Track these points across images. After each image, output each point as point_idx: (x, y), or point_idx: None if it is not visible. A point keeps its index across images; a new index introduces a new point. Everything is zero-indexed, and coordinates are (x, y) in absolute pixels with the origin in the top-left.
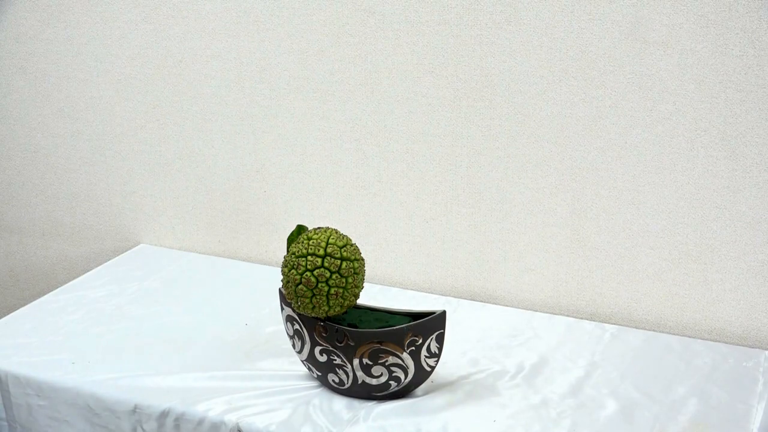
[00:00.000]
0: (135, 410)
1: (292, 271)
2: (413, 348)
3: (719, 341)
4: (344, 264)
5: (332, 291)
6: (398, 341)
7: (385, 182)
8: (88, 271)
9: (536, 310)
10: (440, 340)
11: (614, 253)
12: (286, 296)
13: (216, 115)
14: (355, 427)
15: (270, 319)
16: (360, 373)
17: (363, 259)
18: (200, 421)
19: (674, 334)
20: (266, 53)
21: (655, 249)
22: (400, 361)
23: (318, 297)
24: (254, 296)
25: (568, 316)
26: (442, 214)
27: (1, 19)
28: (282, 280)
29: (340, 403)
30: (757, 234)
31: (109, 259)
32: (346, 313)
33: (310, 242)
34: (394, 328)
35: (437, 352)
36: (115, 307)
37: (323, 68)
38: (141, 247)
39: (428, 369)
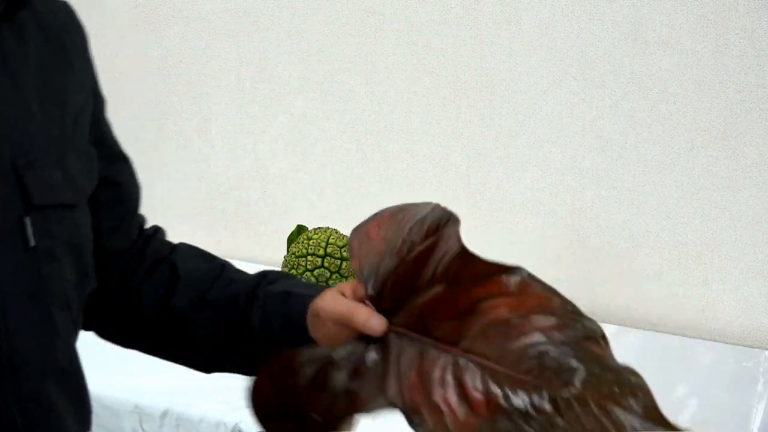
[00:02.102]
0: (135, 410)
1: (292, 271)
2: None
3: (719, 341)
4: (344, 264)
5: None
6: None
7: (385, 182)
8: None
9: None
10: None
11: (614, 253)
12: None
13: (216, 115)
14: (355, 428)
15: None
16: None
17: None
18: (200, 421)
19: (674, 334)
20: (266, 53)
21: (655, 249)
22: None
23: None
24: None
25: None
26: None
27: None
28: None
29: None
30: (757, 234)
31: None
32: None
33: (310, 242)
34: None
35: None
36: None
37: (323, 68)
38: None
39: None
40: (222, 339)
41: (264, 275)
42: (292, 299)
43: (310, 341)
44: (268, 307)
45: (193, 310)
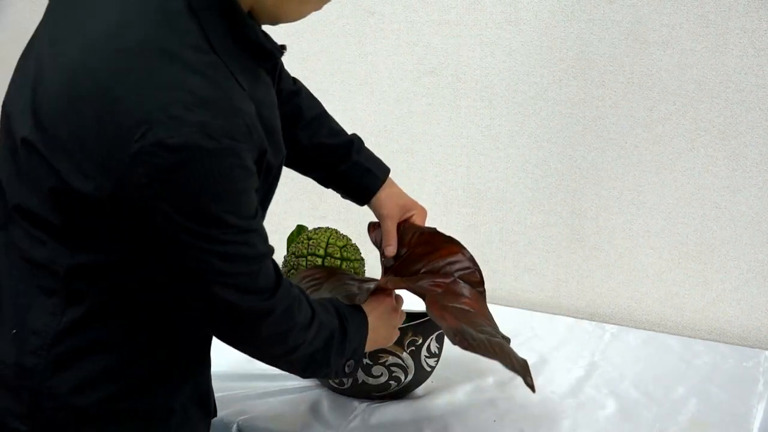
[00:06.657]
0: None
1: (292, 271)
2: (413, 348)
3: (719, 341)
4: (344, 264)
5: None
6: (398, 341)
7: None
8: None
9: (536, 310)
10: (440, 340)
11: (614, 253)
12: None
13: None
14: (355, 427)
15: None
16: (360, 373)
17: (363, 259)
18: None
19: (674, 334)
20: None
21: (655, 249)
22: (400, 361)
23: None
24: None
25: (568, 316)
26: (442, 214)
27: (1, 19)
28: None
29: (340, 403)
30: (757, 234)
31: None
32: None
33: (310, 242)
34: None
35: (437, 352)
36: None
37: (323, 68)
38: None
39: (428, 369)
40: (320, 168)
41: (351, 141)
42: (369, 177)
43: (365, 199)
44: (354, 171)
45: (306, 142)
